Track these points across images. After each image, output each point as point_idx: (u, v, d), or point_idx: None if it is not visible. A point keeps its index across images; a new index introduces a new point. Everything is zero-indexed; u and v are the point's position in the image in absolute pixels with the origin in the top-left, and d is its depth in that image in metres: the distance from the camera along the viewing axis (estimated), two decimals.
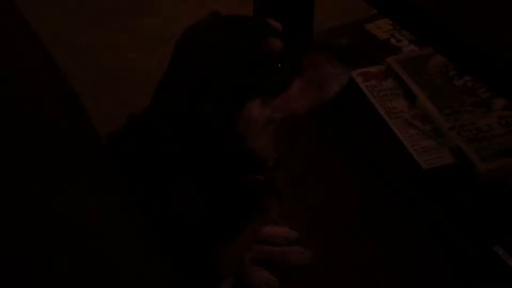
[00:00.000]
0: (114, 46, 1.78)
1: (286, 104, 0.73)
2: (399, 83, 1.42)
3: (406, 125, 1.33)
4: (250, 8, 1.39)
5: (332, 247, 1.20)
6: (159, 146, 0.73)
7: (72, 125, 0.69)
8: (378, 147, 1.32)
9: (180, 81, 0.72)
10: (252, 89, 0.70)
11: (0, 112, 0.62)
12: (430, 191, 1.20)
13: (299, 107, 0.75)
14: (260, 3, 1.35)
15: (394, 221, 1.24)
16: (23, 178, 0.58)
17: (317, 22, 1.48)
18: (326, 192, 1.32)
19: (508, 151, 1.21)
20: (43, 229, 0.57)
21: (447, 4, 0.82)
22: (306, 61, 0.74)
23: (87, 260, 0.57)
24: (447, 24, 0.79)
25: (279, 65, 0.71)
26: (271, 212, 0.87)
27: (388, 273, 1.16)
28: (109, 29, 1.86)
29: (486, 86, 1.20)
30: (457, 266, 1.14)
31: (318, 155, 1.42)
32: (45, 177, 0.60)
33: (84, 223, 0.59)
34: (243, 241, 0.86)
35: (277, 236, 1.17)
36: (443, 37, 0.81)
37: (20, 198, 0.57)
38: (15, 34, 0.79)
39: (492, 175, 1.18)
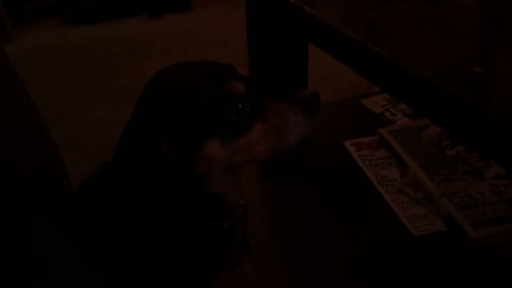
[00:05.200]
0: (118, 120, 1.84)
1: (246, 147, 0.73)
2: (391, 152, 1.43)
3: (398, 192, 1.31)
4: None
5: None
6: (119, 187, 0.73)
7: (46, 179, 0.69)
8: (368, 214, 1.29)
9: (141, 120, 0.74)
10: (211, 128, 0.70)
11: None
12: (421, 258, 1.16)
13: (259, 152, 0.75)
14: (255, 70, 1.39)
15: (384, 285, 1.20)
16: None
17: None
18: (315, 256, 1.30)
19: (499, 219, 1.17)
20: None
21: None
22: (268, 107, 0.75)
23: None
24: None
25: (240, 107, 0.72)
26: (240, 266, 0.85)
27: None
28: (116, 104, 1.95)
29: (484, 154, 1.17)
30: None
31: (309, 219, 1.41)
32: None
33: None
34: None
35: None
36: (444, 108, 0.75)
37: None
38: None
39: (483, 242, 1.13)
